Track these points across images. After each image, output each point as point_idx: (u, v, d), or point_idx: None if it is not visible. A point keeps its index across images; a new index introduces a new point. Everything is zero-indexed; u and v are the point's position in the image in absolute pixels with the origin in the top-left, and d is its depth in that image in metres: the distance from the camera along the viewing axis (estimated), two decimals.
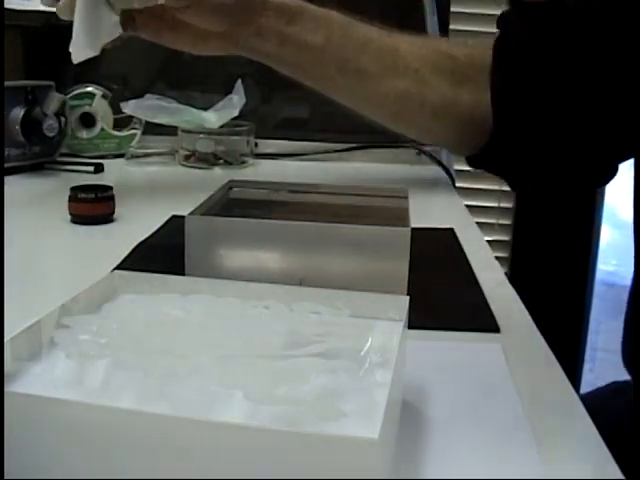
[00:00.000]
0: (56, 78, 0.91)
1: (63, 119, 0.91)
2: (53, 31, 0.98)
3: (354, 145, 1.04)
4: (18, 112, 0.87)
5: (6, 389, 0.27)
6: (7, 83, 0.87)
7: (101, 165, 0.93)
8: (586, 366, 1.66)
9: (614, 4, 0.64)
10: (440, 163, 1.02)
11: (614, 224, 2.13)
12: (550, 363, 0.41)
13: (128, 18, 0.72)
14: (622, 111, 0.65)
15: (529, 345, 0.44)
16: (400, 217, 0.52)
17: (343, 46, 0.75)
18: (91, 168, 0.92)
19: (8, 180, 0.82)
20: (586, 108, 0.66)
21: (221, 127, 0.98)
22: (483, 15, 1.44)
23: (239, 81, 1.00)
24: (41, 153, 0.91)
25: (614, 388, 0.77)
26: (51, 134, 0.89)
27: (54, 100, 0.89)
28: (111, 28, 0.68)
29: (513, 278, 0.53)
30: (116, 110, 1.01)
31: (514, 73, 0.71)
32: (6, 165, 0.86)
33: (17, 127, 0.87)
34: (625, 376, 0.70)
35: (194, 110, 0.99)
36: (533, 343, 0.44)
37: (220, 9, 0.72)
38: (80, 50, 0.68)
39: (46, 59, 0.96)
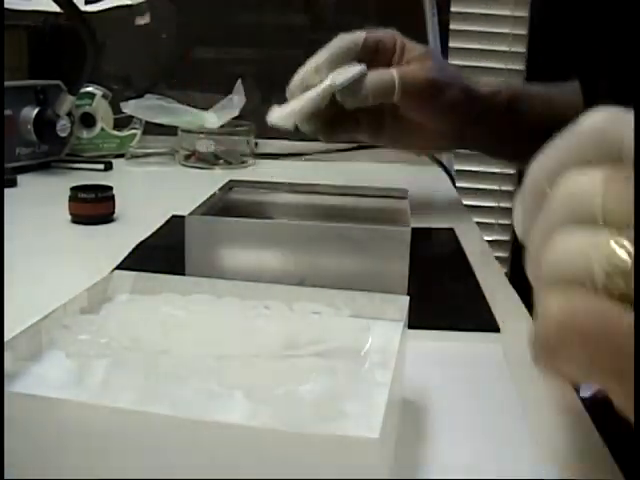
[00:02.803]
0: (59, 77, 0.91)
1: (72, 119, 0.92)
2: (54, 31, 0.98)
3: (354, 145, 1.04)
4: (29, 112, 0.88)
5: (6, 389, 0.27)
6: (17, 83, 0.87)
7: (110, 163, 0.94)
8: None
9: None
10: (440, 163, 1.02)
11: None
12: None
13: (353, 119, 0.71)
14: None
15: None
16: (400, 217, 0.52)
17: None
18: (99, 166, 0.92)
19: (18, 179, 0.82)
20: None
21: (221, 127, 0.98)
22: (483, 15, 1.44)
23: (239, 81, 1.00)
24: (49, 152, 0.92)
25: None
26: (63, 134, 0.89)
27: (67, 101, 0.89)
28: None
29: (513, 278, 0.53)
30: (116, 110, 1.01)
31: None
32: (16, 164, 0.87)
33: (29, 126, 0.87)
34: None
35: (194, 110, 0.99)
36: None
37: (448, 109, 0.70)
38: (283, 115, 0.71)
39: (49, 59, 0.96)
